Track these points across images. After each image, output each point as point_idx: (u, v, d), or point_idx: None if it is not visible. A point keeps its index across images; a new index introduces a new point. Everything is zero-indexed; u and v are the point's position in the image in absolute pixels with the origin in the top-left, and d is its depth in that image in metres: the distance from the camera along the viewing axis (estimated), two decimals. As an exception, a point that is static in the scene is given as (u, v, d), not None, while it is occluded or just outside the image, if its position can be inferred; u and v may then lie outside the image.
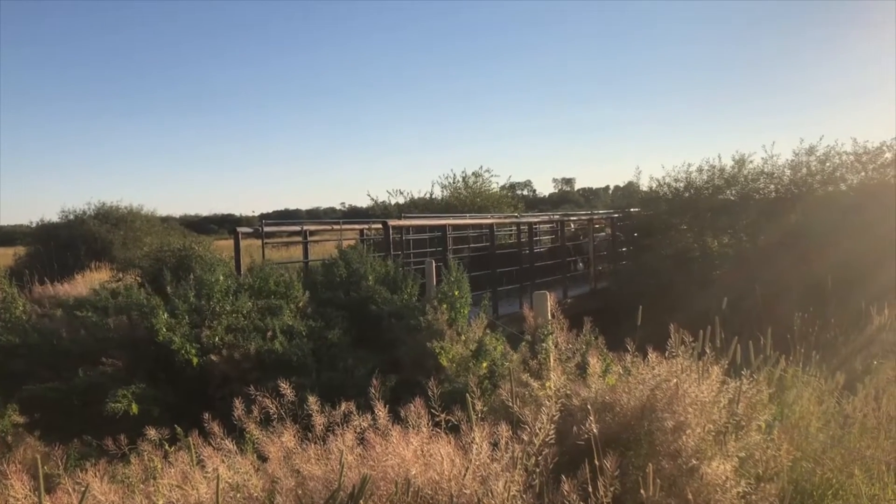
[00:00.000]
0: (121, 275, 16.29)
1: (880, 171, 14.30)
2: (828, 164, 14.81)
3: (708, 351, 4.29)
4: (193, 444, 3.32)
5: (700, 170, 16.25)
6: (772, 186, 15.53)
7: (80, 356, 7.07)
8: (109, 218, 23.67)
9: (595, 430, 3.12)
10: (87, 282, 16.48)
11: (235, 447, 3.32)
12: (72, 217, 23.94)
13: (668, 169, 17.29)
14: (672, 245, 15.87)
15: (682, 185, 16.39)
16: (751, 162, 15.80)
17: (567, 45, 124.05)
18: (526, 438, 2.99)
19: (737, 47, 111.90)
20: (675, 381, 3.68)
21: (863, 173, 14.51)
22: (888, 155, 14.27)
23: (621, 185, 36.70)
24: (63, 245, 21.67)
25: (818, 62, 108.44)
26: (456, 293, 7.49)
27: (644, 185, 18.73)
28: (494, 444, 2.99)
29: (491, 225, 14.43)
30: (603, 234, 18.56)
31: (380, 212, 22.71)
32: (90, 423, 6.21)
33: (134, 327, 7.33)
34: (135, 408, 6.15)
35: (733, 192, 15.87)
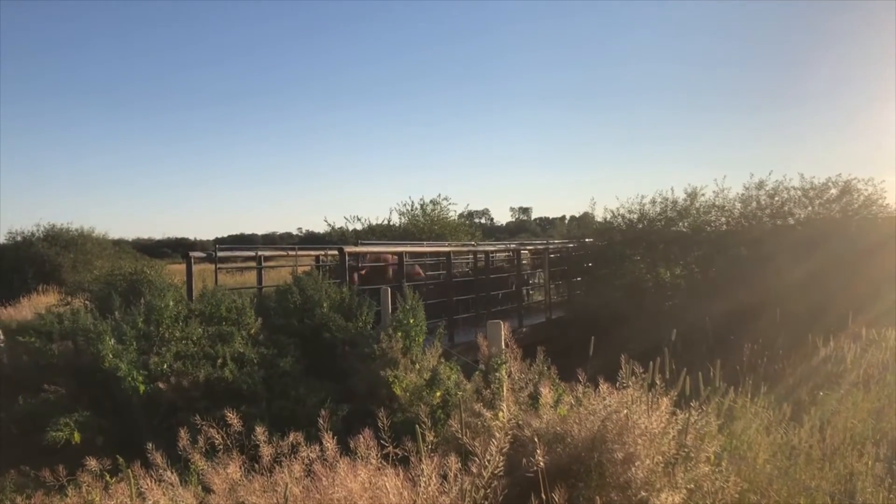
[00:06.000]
0: (69, 299, 15.89)
1: (826, 206, 14.69)
2: (776, 199, 15.17)
3: (658, 382, 4.32)
4: (134, 476, 3.22)
5: (653, 202, 16.49)
6: (723, 219, 15.81)
7: (22, 383, 6.86)
8: (59, 240, 23.10)
9: (542, 463, 3.11)
10: (34, 305, 16.05)
11: (179, 479, 3.24)
12: (19, 239, 23.32)
13: (622, 200, 17.44)
14: (626, 276, 16.03)
15: (635, 216, 16.61)
16: (702, 195, 16.09)
17: (525, 77, 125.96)
18: (475, 470, 2.96)
19: (695, 82, 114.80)
20: (625, 412, 3.70)
21: (810, 208, 14.89)
22: (833, 191, 14.68)
23: (577, 215, 37.15)
24: (9, 267, 21.09)
25: (774, 98, 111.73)
26: (411, 321, 7.44)
27: (599, 215, 18.94)
28: (444, 476, 2.96)
29: (448, 253, 14.42)
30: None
31: (337, 238, 22.52)
32: (29, 453, 5.99)
33: (79, 353, 7.13)
34: (77, 437, 5.95)
35: (685, 224, 16.11)
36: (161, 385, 6.50)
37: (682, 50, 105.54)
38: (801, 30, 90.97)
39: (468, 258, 17.31)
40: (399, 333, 7.23)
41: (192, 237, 72.89)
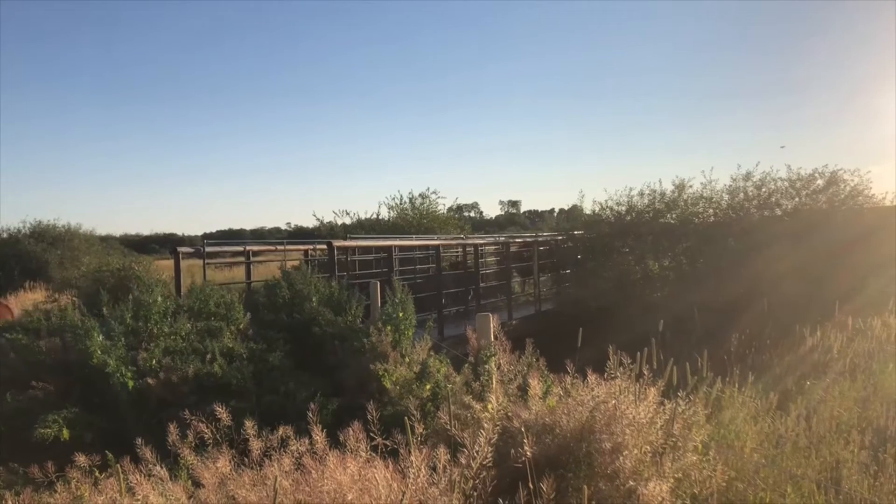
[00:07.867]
0: (56, 295, 15.83)
1: (812, 197, 14.81)
2: (763, 190, 15.28)
3: (646, 372, 4.35)
4: (124, 471, 3.21)
5: (641, 194, 16.58)
6: (710, 211, 15.90)
7: (9, 380, 6.83)
8: (46, 237, 22.99)
9: (531, 454, 3.13)
10: (21, 302, 15.97)
11: (168, 473, 3.24)
12: (5, 235, 23.22)
13: (610, 192, 17.53)
14: (614, 268, 16.09)
15: (623, 208, 16.69)
16: (690, 187, 16.19)
17: (513, 68, 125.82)
18: (464, 461, 2.98)
19: (682, 74, 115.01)
20: (613, 402, 3.72)
21: (797, 199, 15.00)
22: (820, 182, 14.80)
23: (566, 207, 37.28)
24: (-5, 264, 21.00)
25: (763, 88, 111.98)
26: (400, 315, 7.45)
27: (587, 208, 19.02)
28: (433, 468, 2.97)
29: (437, 247, 14.43)
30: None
31: (326, 232, 22.51)
32: (18, 450, 5.97)
33: (67, 350, 7.10)
34: (66, 433, 5.93)
35: (673, 216, 16.20)
36: (150, 381, 6.49)
37: (671, 41, 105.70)
38: (791, 19, 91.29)
39: (457, 252, 17.34)
40: (388, 327, 7.24)
41: (180, 233, 72.29)
